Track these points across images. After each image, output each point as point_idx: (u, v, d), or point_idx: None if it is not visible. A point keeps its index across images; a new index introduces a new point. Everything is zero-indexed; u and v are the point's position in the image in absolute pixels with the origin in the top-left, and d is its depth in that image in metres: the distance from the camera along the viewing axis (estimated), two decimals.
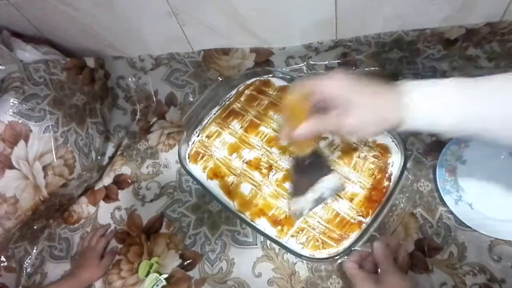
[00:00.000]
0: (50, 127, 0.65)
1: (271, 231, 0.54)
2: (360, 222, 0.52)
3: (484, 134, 0.36)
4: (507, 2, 0.55)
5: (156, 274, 0.62)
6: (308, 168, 0.50)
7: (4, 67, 0.62)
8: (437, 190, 0.57)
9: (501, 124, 0.35)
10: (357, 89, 0.38)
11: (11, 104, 0.61)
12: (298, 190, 0.52)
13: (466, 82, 0.36)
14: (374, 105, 0.38)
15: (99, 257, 0.67)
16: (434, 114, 0.36)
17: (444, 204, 0.56)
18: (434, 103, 0.36)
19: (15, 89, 0.62)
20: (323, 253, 0.51)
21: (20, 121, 0.62)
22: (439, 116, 0.36)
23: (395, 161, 0.56)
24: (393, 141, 0.57)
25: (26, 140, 0.62)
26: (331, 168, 0.53)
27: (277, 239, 0.54)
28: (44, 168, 0.65)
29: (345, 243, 0.51)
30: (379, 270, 0.47)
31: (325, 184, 0.51)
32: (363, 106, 0.37)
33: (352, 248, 0.50)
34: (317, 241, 0.52)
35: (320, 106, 0.40)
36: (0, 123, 0.60)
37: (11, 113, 0.61)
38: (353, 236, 0.51)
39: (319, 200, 0.52)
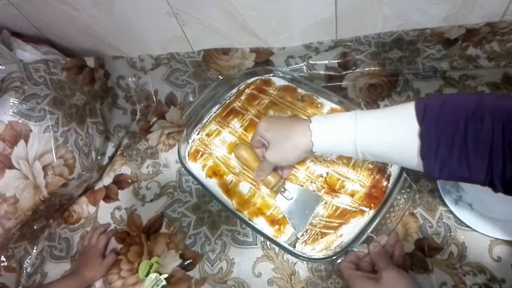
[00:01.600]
0: (50, 127, 0.65)
1: (269, 231, 0.54)
2: (362, 211, 0.52)
3: (381, 158, 0.42)
4: (507, 2, 0.55)
5: (156, 274, 0.62)
6: (297, 206, 0.55)
7: (4, 67, 0.62)
8: (437, 190, 0.57)
9: (392, 150, 0.40)
10: (272, 128, 0.49)
11: (11, 104, 0.61)
12: (299, 228, 0.54)
13: (360, 115, 0.42)
14: (285, 137, 0.47)
15: (101, 256, 0.67)
16: (334, 142, 0.43)
17: (444, 204, 0.56)
18: (331, 134, 0.43)
19: (15, 89, 0.62)
20: (321, 243, 0.52)
21: (20, 121, 0.62)
22: (337, 143, 0.43)
23: None
24: None
25: (26, 140, 0.62)
26: (318, 195, 0.55)
27: (274, 238, 0.54)
28: (44, 168, 0.65)
29: (344, 229, 0.52)
30: (377, 270, 0.47)
31: (318, 210, 0.55)
32: (276, 139, 0.48)
33: (349, 249, 0.50)
34: (317, 234, 0.53)
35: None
36: (0, 123, 0.60)
37: (11, 113, 0.61)
38: (355, 222, 0.52)
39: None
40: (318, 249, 0.52)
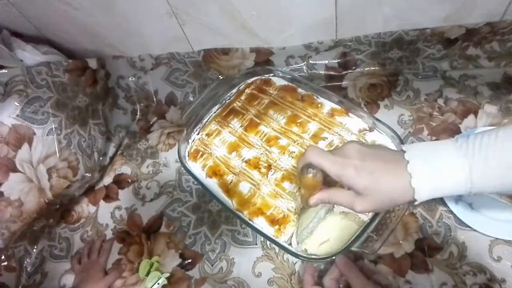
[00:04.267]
0: (54, 130, 0.65)
1: (269, 231, 0.55)
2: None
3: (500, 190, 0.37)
4: (507, 2, 0.54)
5: (158, 273, 0.62)
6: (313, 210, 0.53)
7: (7, 71, 0.61)
8: None
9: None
10: (366, 177, 0.39)
11: (15, 107, 0.61)
12: (299, 225, 0.53)
13: (467, 148, 0.35)
14: (382, 192, 0.39)
15: (103, 270, 0.66)
16: (442, 192, 0.37)
17: (444, 203, 0.56)
18: (440, 183, 0.36)
19: (18, 92, 0.62)
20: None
21: (23, 124, 0.62)
22: (446, 190, 0.37)
23: None
24: (392, 142, 0.57)
25: (30, 143, 0.62)
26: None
27: (274, 238, 0.54)
28: (48, 170, 0.65)
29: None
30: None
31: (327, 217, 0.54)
32: (371, 194, 0.39)
33: (350, 249, 0.50)
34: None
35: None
36: (4, 126, 0.60)
37: (14, 116, 0.61)
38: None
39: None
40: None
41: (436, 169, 0.36)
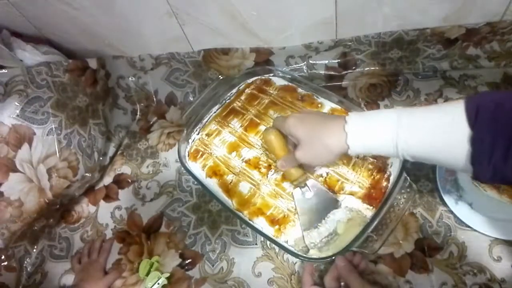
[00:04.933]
0: (54, 130, 0.65)
1: (269, 230, 0.55)
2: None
3: (424, 160, 0.39)
4: (507, 2, 0.54)
5: (158, 273, 0.62)
6: (312, 204, 0.54)
7: (7, 71, 0.61)
8: (437, 190, 0.57)
9: (436, 152, 0.37)
10: (303, 125, 0.46)
11: (15, 107, 0.61)
12: (308, 225, 0.53)
13: (402, 116, 0.38)
14: (317, 137, 0.44)
15: (103, 270, 0.66)
16: (372, 144, 0.40)
17: (444, 204, 0.56)
18: (370, 137, 0.40)
19: (18, 92, 0.62)
20: None
21: (23, 124, 0.62)
22: (377, 146, 0.40)
23: (394, 162, 0.55)
24: None
25: (30, 143, 0.62)
26: (337, 200, 0.54)
27: (274, 238, 0.54)
28: (49, 170, 0.65)
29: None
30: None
31: (336, 217, 0.53)
32: (309, 141, 0.46)
33: (350, 249, 0.50)
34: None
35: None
36: (4, 126, 0.60)
37: (14, 116, 0.61)
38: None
39: (333, 232, 0.53)
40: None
41: (369, 121, 0.41)
